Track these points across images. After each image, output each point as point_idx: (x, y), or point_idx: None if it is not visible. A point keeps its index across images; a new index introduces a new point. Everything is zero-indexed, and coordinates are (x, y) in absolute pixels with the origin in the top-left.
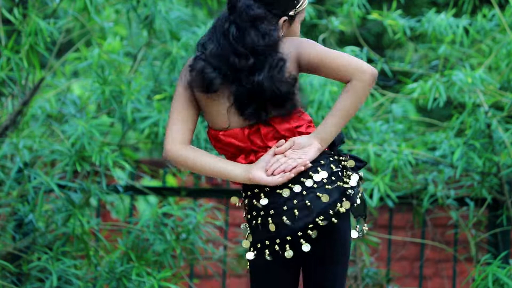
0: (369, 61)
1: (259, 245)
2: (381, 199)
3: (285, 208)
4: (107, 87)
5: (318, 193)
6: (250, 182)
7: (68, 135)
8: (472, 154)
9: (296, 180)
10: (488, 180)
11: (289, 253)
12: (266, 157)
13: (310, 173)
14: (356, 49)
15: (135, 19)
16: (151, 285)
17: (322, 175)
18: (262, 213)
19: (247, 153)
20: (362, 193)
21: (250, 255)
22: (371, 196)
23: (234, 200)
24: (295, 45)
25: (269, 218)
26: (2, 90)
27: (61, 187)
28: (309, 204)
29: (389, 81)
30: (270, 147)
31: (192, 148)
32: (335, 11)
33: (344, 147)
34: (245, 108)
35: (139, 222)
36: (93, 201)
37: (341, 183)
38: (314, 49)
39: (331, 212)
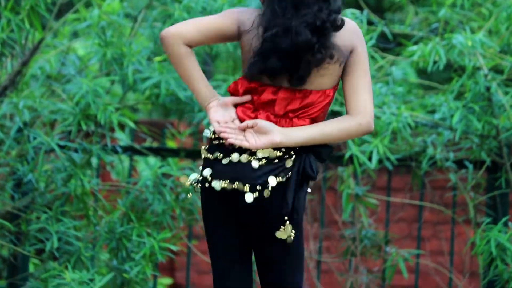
0: (369, 23)
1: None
2: (380, 161)
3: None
4: (108, 50)
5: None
6: (205, 109)
7: (72, 93)
8: (472, 117)
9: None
10: (487, 143)
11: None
12: (228, 99)
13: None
14: (357, 11)
15: None
16: (151, 246)
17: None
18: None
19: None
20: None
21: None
22: (370, 158)
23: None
24: (356, 38)
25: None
26: (2, 51)
27: (61, 147)
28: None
29: (389, 44)
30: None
31: (188, 49)
32: None
33: (344, 110)
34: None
35: (138, 183)
36: (94, 162)
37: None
38: (362, 58)
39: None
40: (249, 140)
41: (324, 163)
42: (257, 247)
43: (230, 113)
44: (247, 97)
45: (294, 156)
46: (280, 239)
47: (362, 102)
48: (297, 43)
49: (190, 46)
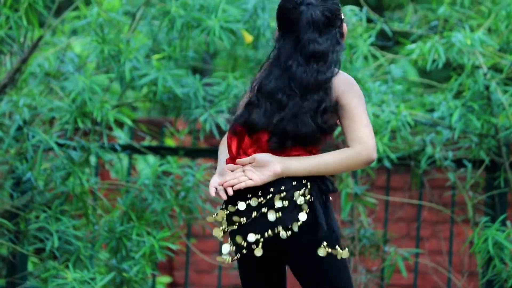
0: (369, 21)
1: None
2: (379, 160)
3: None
4: (106, 46)
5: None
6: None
7: (68, 91)
8: (471, 116)
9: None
10: (486, 142)
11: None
12: (226, 166)
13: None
14: (356, 8)
15: None
16: (151, 245)
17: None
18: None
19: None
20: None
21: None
22: None
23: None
24: (343, 87)
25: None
26: (1, 48)
27: (59, 145)
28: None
29: (388, 42)
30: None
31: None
32: None
33: None
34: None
35: (138, 181)
36: (92, 160)
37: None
38: (351, 100)
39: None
40: (253, 177)
41: (335, 192)
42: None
43: (226, 176)
44: (241, 162)
45: (306, 186)
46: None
47: (360, 133)
48: (300, 133)
49: None
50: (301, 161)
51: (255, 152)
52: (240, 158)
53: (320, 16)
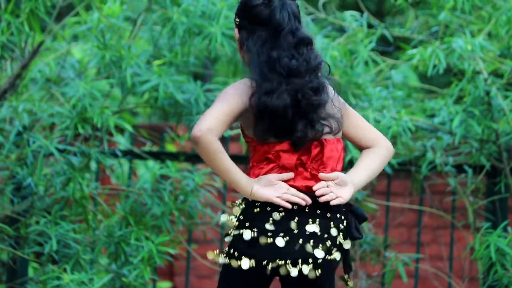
0: (369, 26)
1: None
2: None
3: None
4: (107, 52)
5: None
6: (251, 197)
7: (69, 97)
8: (471, 121)
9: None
10: (487, 147)
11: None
12: (271, 176)
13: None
14: (356, 14)
15: None
16: (149, 250)
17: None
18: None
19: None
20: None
21: (246, 264)
22: None
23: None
24: (336, 97)
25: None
26: (2, 54)
27: (60, 151)
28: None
29: (389, 47)
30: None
31: (219, 143)
32: None
33: None
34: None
35: (137, 185)
36: (93, 165)
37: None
38: (348, 107)
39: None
40: (343, 195)
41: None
42: None
43: (281, 185)
44: (290, 175)
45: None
46: None
47: (375, 133)
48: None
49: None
50: (359, 177)
51: (319, 167)
52: (303, 172)
53: (295, 7)
